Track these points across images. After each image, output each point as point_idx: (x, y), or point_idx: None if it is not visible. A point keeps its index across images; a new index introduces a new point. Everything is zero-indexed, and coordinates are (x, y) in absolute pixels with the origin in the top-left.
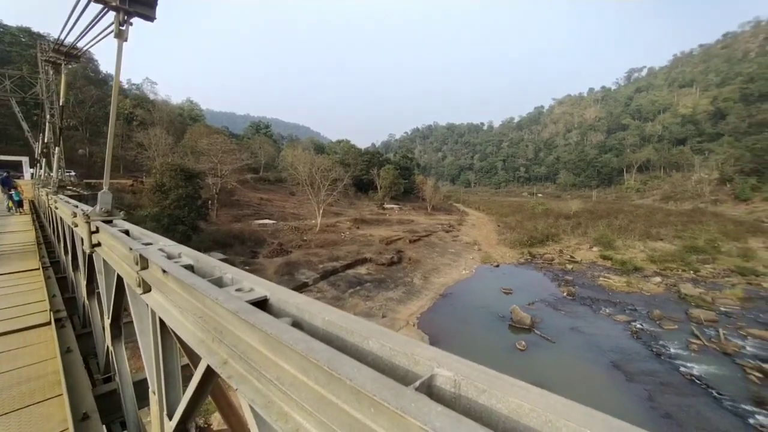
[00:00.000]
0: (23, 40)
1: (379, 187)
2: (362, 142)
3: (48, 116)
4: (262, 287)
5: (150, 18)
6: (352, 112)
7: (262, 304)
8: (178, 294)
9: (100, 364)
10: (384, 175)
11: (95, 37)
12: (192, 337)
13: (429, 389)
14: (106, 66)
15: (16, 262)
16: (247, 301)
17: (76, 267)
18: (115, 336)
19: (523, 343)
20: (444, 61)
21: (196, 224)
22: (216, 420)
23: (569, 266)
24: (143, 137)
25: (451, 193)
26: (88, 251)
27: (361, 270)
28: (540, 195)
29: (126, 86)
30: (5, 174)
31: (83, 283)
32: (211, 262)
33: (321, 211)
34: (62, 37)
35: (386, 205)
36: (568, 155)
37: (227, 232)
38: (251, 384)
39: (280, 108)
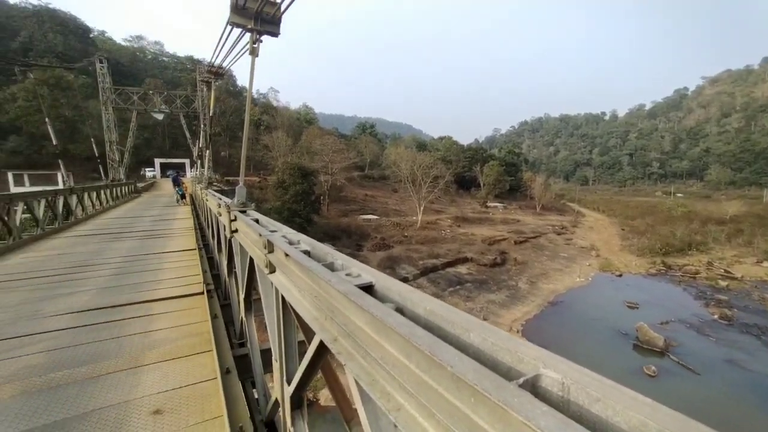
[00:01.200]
0: (188, 66)
1: (482, 185)
2: (465, 138)
3: (202, 126)
4: (368, 274)
5: (275, 34)
6: (454, 109)
7: (368, 289)
8: (297, 275)
9: (236, 331)
10: (488, 172)
11: (235, 57)
12: (308, 314)
13: (534, 389)
14: (241, 80)
15: (183, 241)
16: (355, 285)
17: (219, 249)
18: (247, 309)
19: (653, 368)
20: (553, 48)
21: (310, 217)
22: (323, 396)
23: (723, 283)
24: (268, 140)
25: (564, 191)
26: (228, 236)
27: (462, 269)
28: (680, 195)
29: (255, 96)
30: (175, 173)
31: (224, 262)
32: (325, 248)
33: (422, 208)
34: (213, 60)
35: (489, 204)
36: (724, 146)
37: (336, 226)
38: (357, 362)
39: (384, 108)
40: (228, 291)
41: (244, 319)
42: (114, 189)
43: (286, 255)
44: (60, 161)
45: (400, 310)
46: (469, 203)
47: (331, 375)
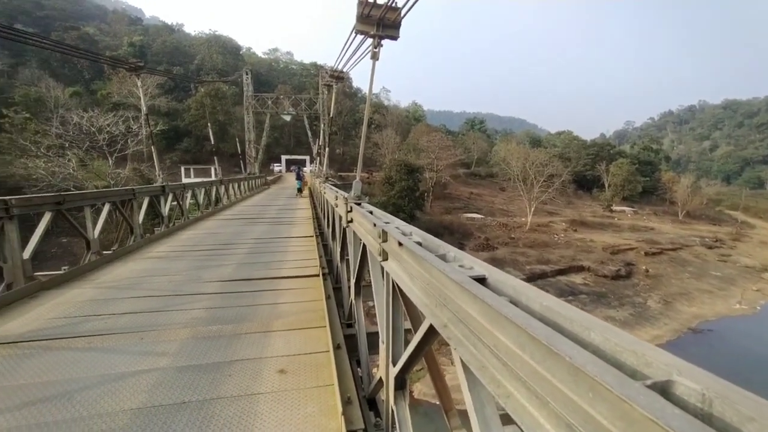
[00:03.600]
0: (311, 71)
1: (606, 186)
2: (588, 133)
3: (322, 126)
4: (480, 267)
5: (395, 38)
6: (576, 102)
7: (480, 281)
8: (410, 263)
9: (345, 312)
10: (615, 171)
11: (355, 61)
12: (418, 300)
13: (664, 394)
14: (357, 82)
15: (302, 228)
16: (469, 276)
17: (333, 237)
18: (357, 293)
19: None
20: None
21: (413, 213)
22: (417, 389)
23: None
24: (378, 137)
25: (723, 196)
26: (344, 225)
27: (576, 279)
28: None
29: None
30: (298, 168)
31: (338, 250)
32: (436, 240)
33: (532, 209)
34: (336, 64)
35: (615, 207)
36: None
37: (438, 223)
38: (467, 348)
39: (495, 103)
40: (339, 275)
41: (353, 302)
42: (250, 181)
43: (400, 244)
44: (215, 157)
45: (514, 303)
46: (588, 206)
47: (432, 363)
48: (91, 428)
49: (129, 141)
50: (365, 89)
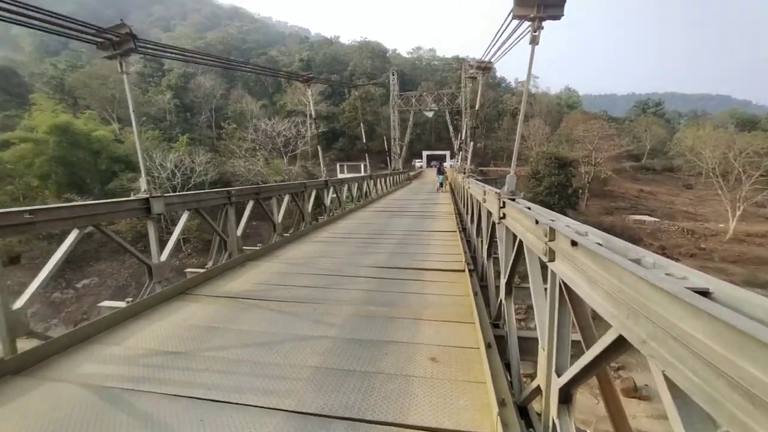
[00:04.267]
0: (453, 65)
1: None
2: None
3: (464, 120)
4: (698, 278)
5: (558, 17)
6: None
7: (702, 295)
8: (589, 266)
9: (491, 312)
10: None
11: (507, 48)
12: (601, 308)
13: None
14: (502, 71)
15: (445, 223)
16: (685, 288)
17: (479, 234)
18: (507, 293)
19: None
20: None
21: (564, 212)
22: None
23: None
24: (524, 129)
25: None
26: (495, 221)
27: None
28: None
29: (513, 84)
30: (439, 164)
31: (484, 247)
32: (622, 243)
33: (738, 213)
34: (485, 55)
35: None
36: None
37: (595, 224)
38: (682, 372)
39: (678, 78)
40: (485, 273)
41: (503, 302)
42: (394, 177)
43: (574, 244)
44: (366, 155)
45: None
46: None
47: (606, 380)
48: (286, 373)
49: (298, 142)
50: (510, 78)
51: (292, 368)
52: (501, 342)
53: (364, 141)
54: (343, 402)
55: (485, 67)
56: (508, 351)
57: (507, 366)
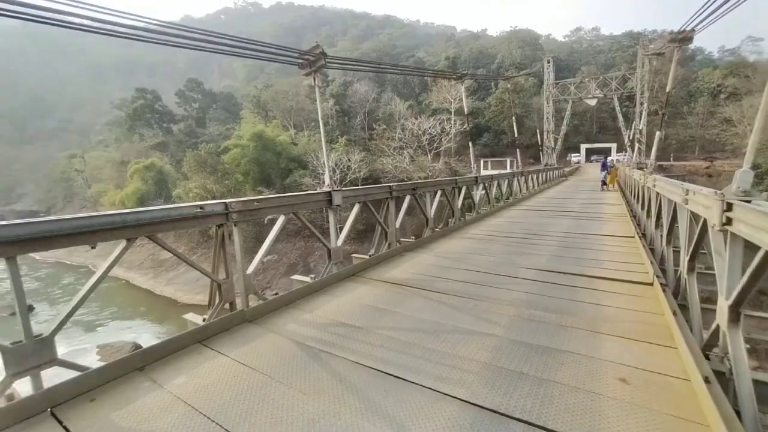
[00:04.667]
0: (624, 43)
1: None
2: None
3: (638, 106)
4: None
5: None
6: None
7: None
8: None
9: (702, 338)
10: None
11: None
12: None
13: None
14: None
15: (616, 227)
16: None
17: (669, 242)
18: (732, 320)
19: None
20: None
21: None
22: None
23: None
24: (731, 111)
25: None
26: (714, 228)
27: None
28: None
29: (716, 55)
30: (603, 158)
31: (685, 258)
32: None
33: None
34: (687, 24)
35: None
36: None
37: None
38: None
39: None
40: (685, 290)
41: (725, 331)
42: (547, 173)
43: None
44: (517, 150)
45: None
46: None
47: None
48: (455, 363)
49: (443, 139)
50: (711, 48)
51: (460, 360)
52: (725, 382)
53: (515, 134)
54: (520, 404)
55: (683, 38)
56: (740, 399)
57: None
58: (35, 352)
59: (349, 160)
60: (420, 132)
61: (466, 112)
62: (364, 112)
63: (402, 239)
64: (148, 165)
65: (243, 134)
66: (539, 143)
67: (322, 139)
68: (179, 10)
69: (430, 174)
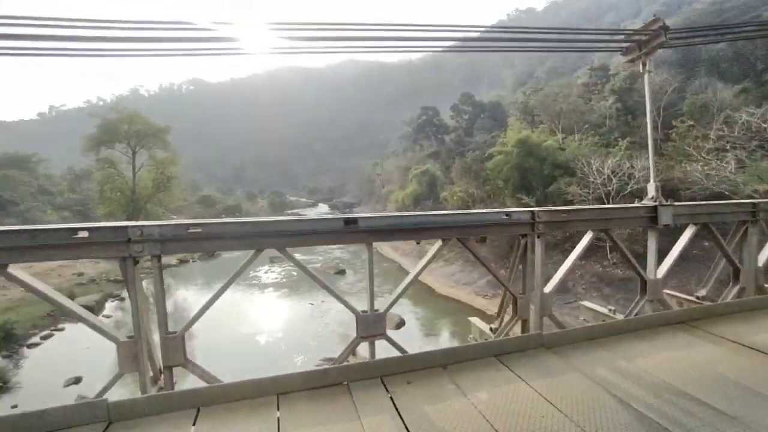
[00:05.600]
0: None
1: None
2: None
3: None
4: None
5: None
6: None
7: None
8: None
9: None
10: None
11: None
12: None
13: None
14: None
15: None
16: None
17: None
18: None
19: None
20: None
21: None
22: None
23: None
24: None
25: None
26: None
27: None
28: None
29: None
30: None
31: None
32: None
33: None
34: None
35: None
36: None
37: None
38: None
39: None
40: None
41: None
42: None
43: None
44: None
45: None
46: None
47: None
48: None
49: None
50: None
51: None
52: None
53: None
54: None
55: None
56: None
57: None
58: (376, 323)
59: (631, 167)
60: (764, 126)
61: None
62: (659, 107)
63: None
64: (424, 170)
65: (507, 141)
66: None
67: (649, 136)
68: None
69: None
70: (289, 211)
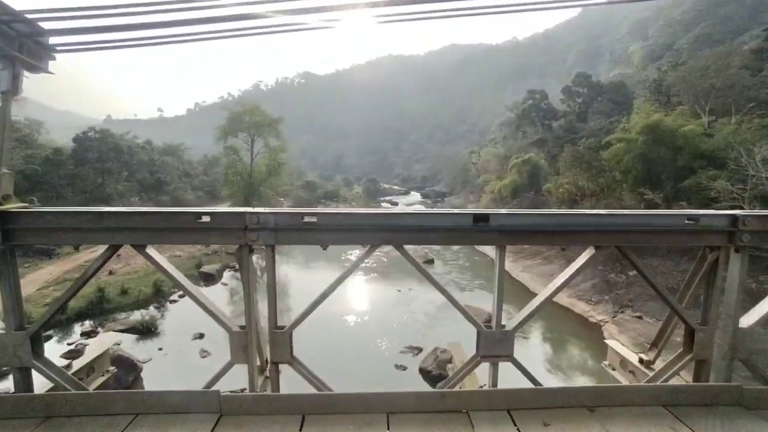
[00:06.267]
0: None
1: None
2: None
3: None
4: None
5: None
6: None
7: None
8: None
9: None
10: None
11: None
12: None
13: None
14: None
15: None
16: None
17: None
18: None
19: None
20: None
21: None
22: None
23: None
24: None
25: None
26: None
27: None
28: None
29: None
30: None
31: None
32: None
33: None
34: None
35: None
36: None
37: None
38: None
39: None
40: None
41: None
42: None
43: None
44: None
45: None
46: None
47: None
48: None
49: None
50: None
51: None
52: None
53: None
54: None
55: None
56: None
57: None
58: (502, 342)
59: None
60: None
61: None
62: None
63: None
64: (526, 159)
65: (631, 127)
66: None
67: None
68: None
69: None
70: (382, 199)
